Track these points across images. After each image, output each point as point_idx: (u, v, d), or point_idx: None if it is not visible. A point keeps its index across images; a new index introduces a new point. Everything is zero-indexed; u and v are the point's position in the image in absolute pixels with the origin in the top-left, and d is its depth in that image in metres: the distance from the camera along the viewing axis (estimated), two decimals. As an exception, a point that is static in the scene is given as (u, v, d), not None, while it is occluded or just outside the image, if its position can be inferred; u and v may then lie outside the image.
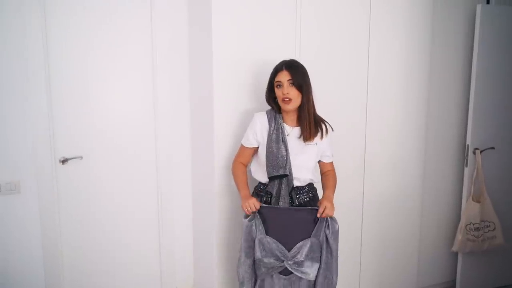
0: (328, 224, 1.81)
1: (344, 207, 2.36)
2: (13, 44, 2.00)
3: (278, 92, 1.83)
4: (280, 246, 1.80)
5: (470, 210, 2.64)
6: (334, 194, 1.93)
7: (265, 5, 2.08)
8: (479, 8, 2.52)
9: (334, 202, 1.85)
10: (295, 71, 1.82)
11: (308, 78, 1.86)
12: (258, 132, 1.88)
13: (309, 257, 1.79)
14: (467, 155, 2.66)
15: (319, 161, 1.98)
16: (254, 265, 1.85)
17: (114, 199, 2.32)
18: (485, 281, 2.82)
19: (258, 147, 1.91)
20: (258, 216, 1.82)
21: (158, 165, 2.39)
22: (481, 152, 2.64)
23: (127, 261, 2.40)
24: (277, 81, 1.83)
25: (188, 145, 2.42)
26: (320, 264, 1.81)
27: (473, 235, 2.65)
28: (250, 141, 1.91)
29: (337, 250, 1.85)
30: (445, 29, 2.62)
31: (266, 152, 1.84)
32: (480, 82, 2.60)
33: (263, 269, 1.81)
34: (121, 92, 2.28)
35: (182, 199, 2.46)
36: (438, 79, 2.66)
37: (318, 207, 1.82)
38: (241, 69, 2.08)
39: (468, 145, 2.65)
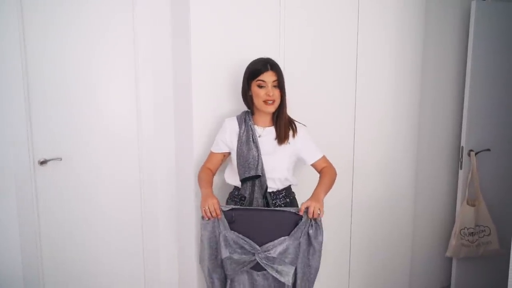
0: (311, 232, 1.70)
1: (333, 208, 2.29)
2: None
3: (260, 92, 1.76)
4: (248, 240, 1.70)
5: (464, 214, 2.56)
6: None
7: (247, 3, 2.01)
8: (473, 4, 2.44)
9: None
10: (279, 72, 1.79)
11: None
12: (227, 137, 1.83)
13: (284, 256, 1.69)
14: (462, 157, 2.57)
15: (311, 164, 1.89)
16: (222, 262, 1.75)
17: (95, 201, 2.26)
18: (480, 288, 2.74)
19: (229, 153, 1.86)
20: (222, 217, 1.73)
21: (141, 164, 2.33)
22: (476, 154, 2.55)
23: (109, 262, 2.34)
24: (260, 80, 1.76)
25: (172, 144, 2.36)
26: (298, 261, 1.72)
27: (468, 240, 2.56)
28: (219, 146, 1.85)
29: (320, 250, 1.74)
30: (438, 27, 2.55)
31: (237, 154, 1.79)
32: (475, 82, 2.51)
33: (234, 266, 1.71)
34: (102, 92, 2.22)
35: (166, 200, 2.40)
36: (432, 78, 2.59)
37: (298, 209, 1.71)
38: (221, 69, 2.01)
39: (462, 146, 2.56)
